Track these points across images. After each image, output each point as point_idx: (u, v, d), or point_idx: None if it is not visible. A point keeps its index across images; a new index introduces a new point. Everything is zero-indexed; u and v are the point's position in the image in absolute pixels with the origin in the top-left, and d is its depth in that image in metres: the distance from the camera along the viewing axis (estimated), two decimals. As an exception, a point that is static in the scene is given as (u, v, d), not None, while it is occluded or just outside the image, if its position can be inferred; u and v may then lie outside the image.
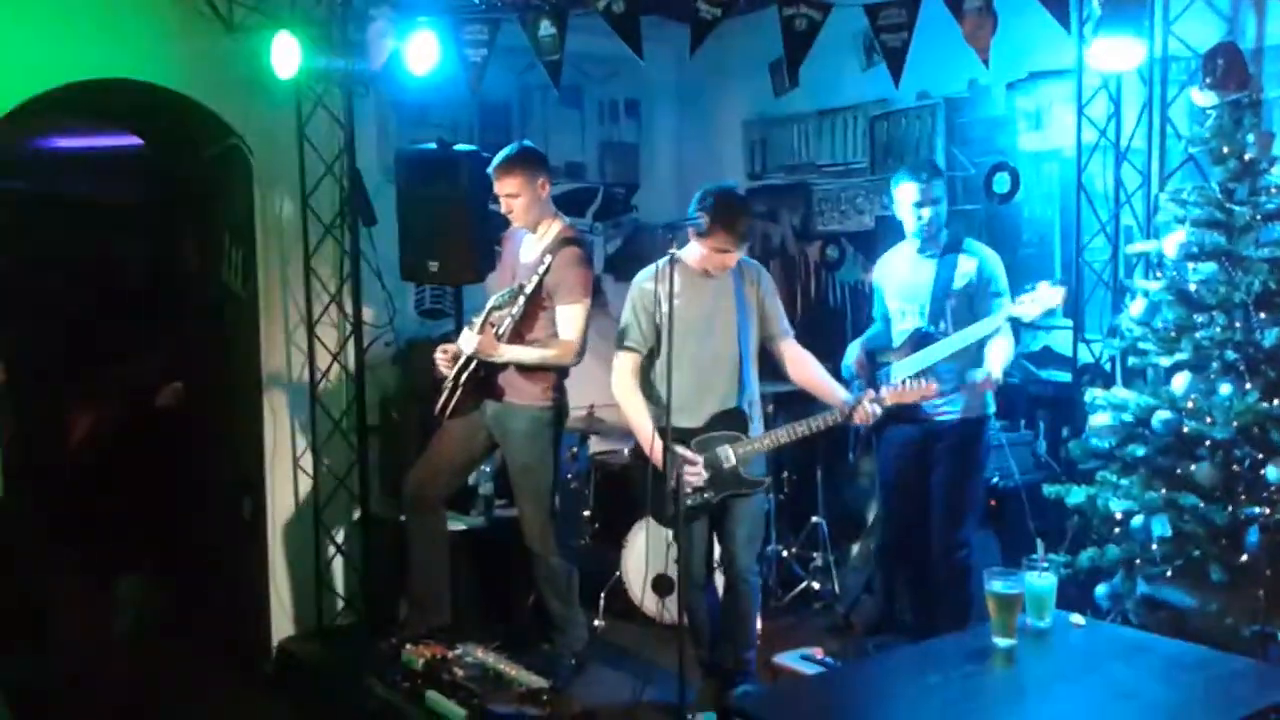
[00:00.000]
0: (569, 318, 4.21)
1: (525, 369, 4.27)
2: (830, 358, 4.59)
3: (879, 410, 3.84)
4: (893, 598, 4.54)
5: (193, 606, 5.65)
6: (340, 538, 5.35)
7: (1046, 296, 3.96)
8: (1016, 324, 4.12)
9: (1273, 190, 3.68)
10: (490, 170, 4.30)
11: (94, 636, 5.39)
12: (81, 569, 5.64)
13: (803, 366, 4.01)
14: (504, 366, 4.28)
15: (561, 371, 4.36)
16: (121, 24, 4.73)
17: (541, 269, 4.14)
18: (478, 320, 4.29)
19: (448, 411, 4.35)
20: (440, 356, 4.39)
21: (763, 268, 4.16)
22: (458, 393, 4.31)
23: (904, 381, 3.96)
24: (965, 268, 4.22)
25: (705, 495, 3.89)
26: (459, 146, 4.96)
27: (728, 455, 3.88)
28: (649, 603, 4.91)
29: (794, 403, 4.52)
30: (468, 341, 4.22)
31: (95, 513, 5.91)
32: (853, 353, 4.47)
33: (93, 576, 5.65)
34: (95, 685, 4.88)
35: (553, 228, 4.33)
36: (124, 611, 5.58)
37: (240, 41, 4.84)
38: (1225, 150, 3.71)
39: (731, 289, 3.96)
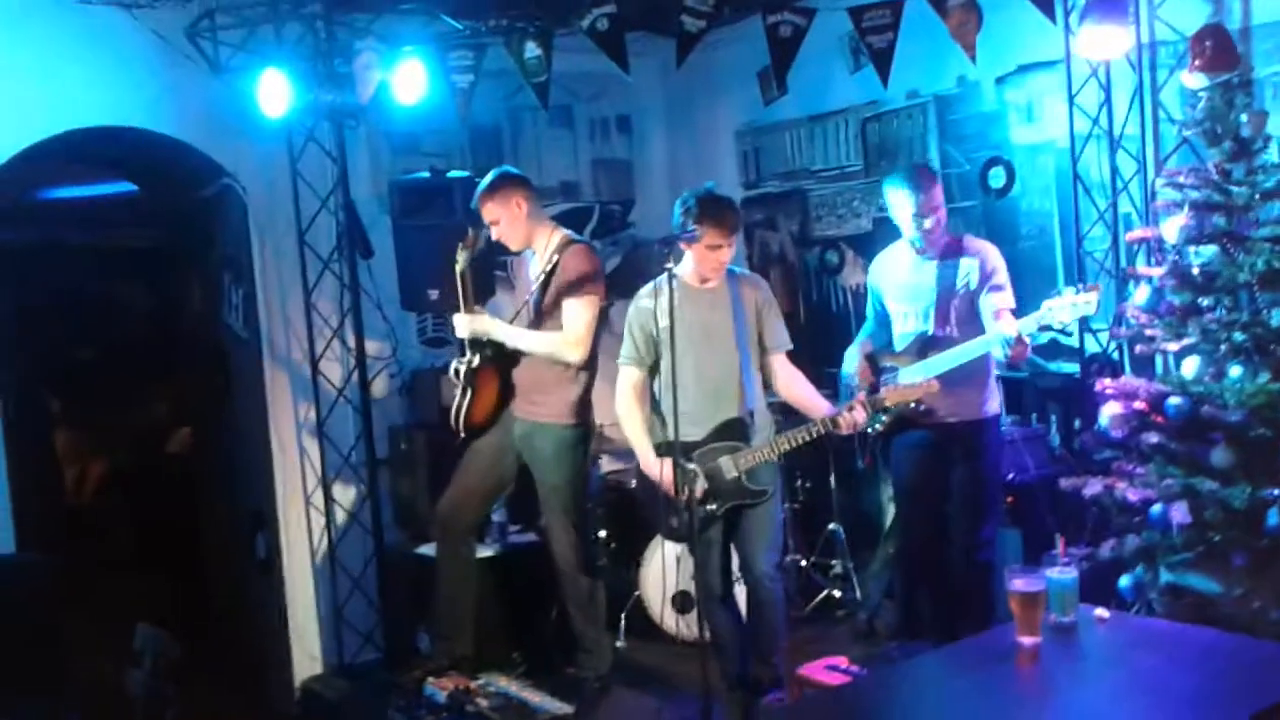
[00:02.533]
0: (573, 311, 4.20)
1: (551, 385, 4.26)
2: (834, 363, 4.57)
3: (863, 417, 3.82)
4: (914, 602, 4.49)
5: (213, 650, 5.62)
6: (356, 573, 5.33)
7: (1080, 301, 3.75)
8: (1047, 329, 3.98)
9: (1269, 168, 3.66)
10: (472, 204, 4.33)
11: (112, 685, 5.37)
12: (97, 617, 5.62)
13: (790, 382, 4.03)
14: (531, 384, 4.27)
15: (587, 388, 4.34)
16: (110, 71, 4.75)
17: (548, 269, 4.16)
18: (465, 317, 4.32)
19: (462, 422, 4.31)
20: (452, 379, 4.39)
21: (762, 280, 4.17)
22: (469, 395, 4.29)
23: (898, 383, 3.92)
24: (967, 268, 4.16)
25: (709, 507, 3.88)
26: (452, 173, 4.98)
27: (729, 466, 3.88)
28: (670, 621, 4.89)
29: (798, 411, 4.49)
30: (460, 324, 4.24)
31: (109, 560, 5.90)
32: (852, 360, 4.40)
33: (108, 624, 5.62)
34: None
35: (553, 238, 4.34)
36: (142, 659, 5.55)
37: (228, 83, 4.85)
38: (1219, 131, 3.69)
39: (728, 299, 3.97)
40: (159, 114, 4.86)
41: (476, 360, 4.26)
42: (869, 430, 4.04)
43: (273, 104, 4.66)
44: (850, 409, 3.83)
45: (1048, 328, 3.99)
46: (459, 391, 4.32)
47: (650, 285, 3.97)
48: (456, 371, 4.33)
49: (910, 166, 4.39)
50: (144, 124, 4.86)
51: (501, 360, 4.28)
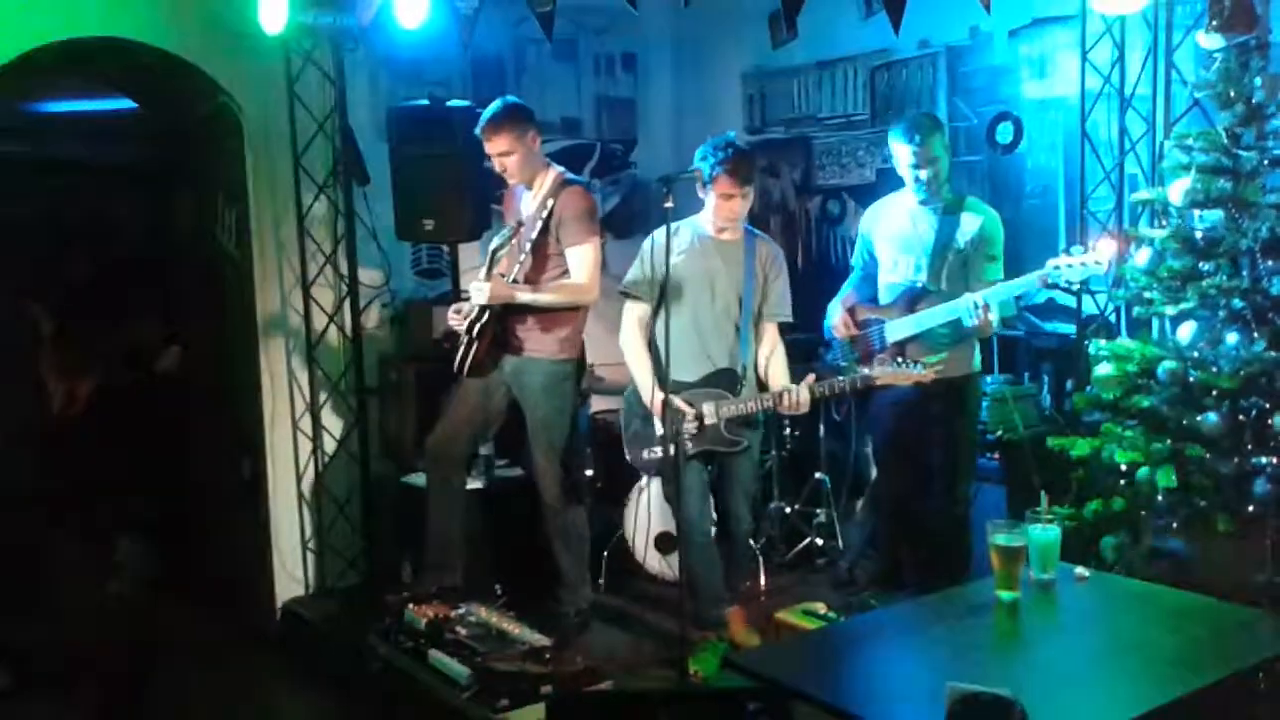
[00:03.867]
0: (579, 258, 4.18)
1: (542, 320, 4.24)
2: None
3: (806, 400, 3.88)
4: (895, 553, 4.51)
5: (195, 568, 5.65)
6: (342, 499, 5.33)
7: (1090, 261, 3.69)
8: (1054, 284, 3.95)
9: (1280, 134, 3.61)
10: (478, 131, 4.24)
11: (92, 599, 5.39)
12: (79, 532, 5.63)
13: (769, 353, 4.11)
14: (521, 318, 4.24)
15: (578, 323, 4.33)
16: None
17: (544, 213, 4.11)
18: (482, 269, 4.26)
19: (465, 368, 4.32)
20: (453, 317, 4.35)
21: (779, 248, 4.20)
22: (474, 347, 4.27)
23: (900, 362, 3.90)
24: (968, 226, 4.11)
25: (685, 447, 3.95)
26: (452, 102, 4.90)
27: (710, 412, 3.96)
28: (652, 560, 4.91)
29: (800, 358, 4.49)
30: (479, 292, 4.17)
31: (93, 475, 5.89)
32: (835, 312, 4.39)
33: (90, 539, 5.63)
34: (94, 648, 4.88)
35: (549, 176, 4.30)
36: (122, 573, 5.57)
37: (227, -2, 4.75)
38: (1232, 95, 3.64)
39: (741, 255, 4.03)
40: (156, 26, 4.76)
41: (486, 316, 4.22)
42: (845, 386, 4.01)
43: (271, 20, 4.56)
44: (786, 393, 3.90)
45: (1055, 285, 3.96)
46: (464, 340, 4.29)
47: (676, 224, 3.98)
48: (462, 324, 4.28)
49: (912, 116, 4.32)
50: (141, 37, 4.76)
51: (506, 310, 4.25)
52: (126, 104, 6.13)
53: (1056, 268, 3.79)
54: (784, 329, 4.22)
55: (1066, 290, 4.35)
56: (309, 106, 5.06)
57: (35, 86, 6.25)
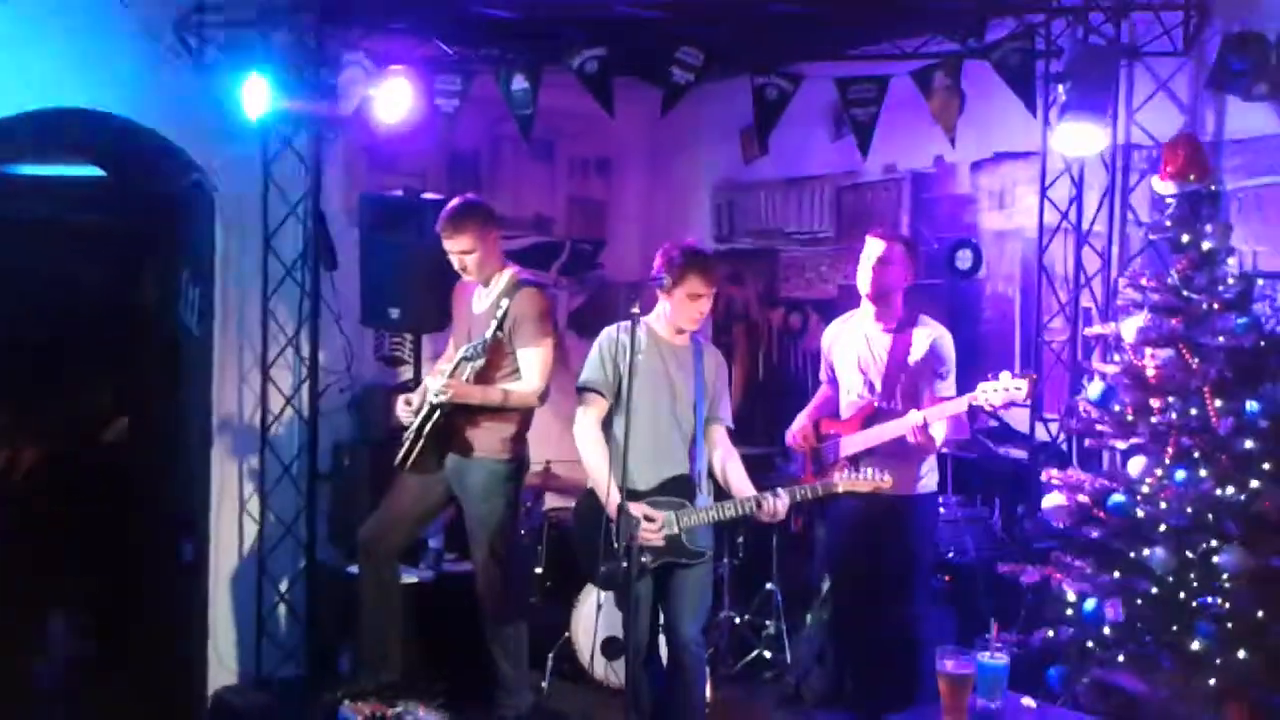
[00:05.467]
0: (531, 360, 4.17)
1: (488, 420, 4.22)
2: (789, 424, 4.57)
3: (784, 507, 3.82)
4: (842, 671, 4.48)
5: (126, 650, 5.47)
6: (284, 586, 5.22)
7: (1012, 388, 3.85)
8: (976, 411, 4.07)
9: (1230, 280, 3.74)
10: (439, 228, 4.22)
11: (20, 679, 5.20)
12: (11, 605, 5.45)
13: (726, 457, 4.03)
14: (466, 418, 4.22)
15: (523, 423, 4.31)
16: (90, 54, 4.70)
17: (499, 313, 4.09)
18: (446, 368, 4.24)
19: (408, 464, 4.27)
20: (402, 407, 4.32)
21: (722, 355, 4.18)
22: (419, 444, 4.24)
23: (859, 470, 3.93)
24: (920, 343, 4.20)
25: (643, 559, 3.78)
26: (426, 195, 4.95)
27: (672, 522, 3.83)
28: (598, 666, 4.83)
29: (755, 470, 4.48)
30: (436, 389, 4.15)
31: (29, 546, 5.73)
32: (798, 424, 4.42)
33: (23, 614, 5.45)
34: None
35: (504, 275, 4.30)
36: (53, 653, 5.39)
37: (209, 80, 4.81)
38: (1185, 239, 3.77)
39: (692, 361, 3.98)
40: (136, 103, 4.80)
41: (436, 415, 4.18)
42: (799, 498, 4.03)
43: (253, 106, 4.63)
44: (775, 496, 3.82)
45: (979, 409, 4.05)
46: (411, 437, 4.25)
47: (624, 322, 3.97)
48: (412, 417, 4.25)
49: (891, 227, 4.42)
50: (120, 111, 4.80)
51: (457, 412, 4.22)
52: (98, 172, 6.15)
53: (984, 391, 3.88)
54: (735, 437, 4.17)
55: (991, 415, 4.43)
56: (283, 189, 5.09)
57: (8, 149, 6.24)
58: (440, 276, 4.76)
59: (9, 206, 6.74)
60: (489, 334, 4.06)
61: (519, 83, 4.77)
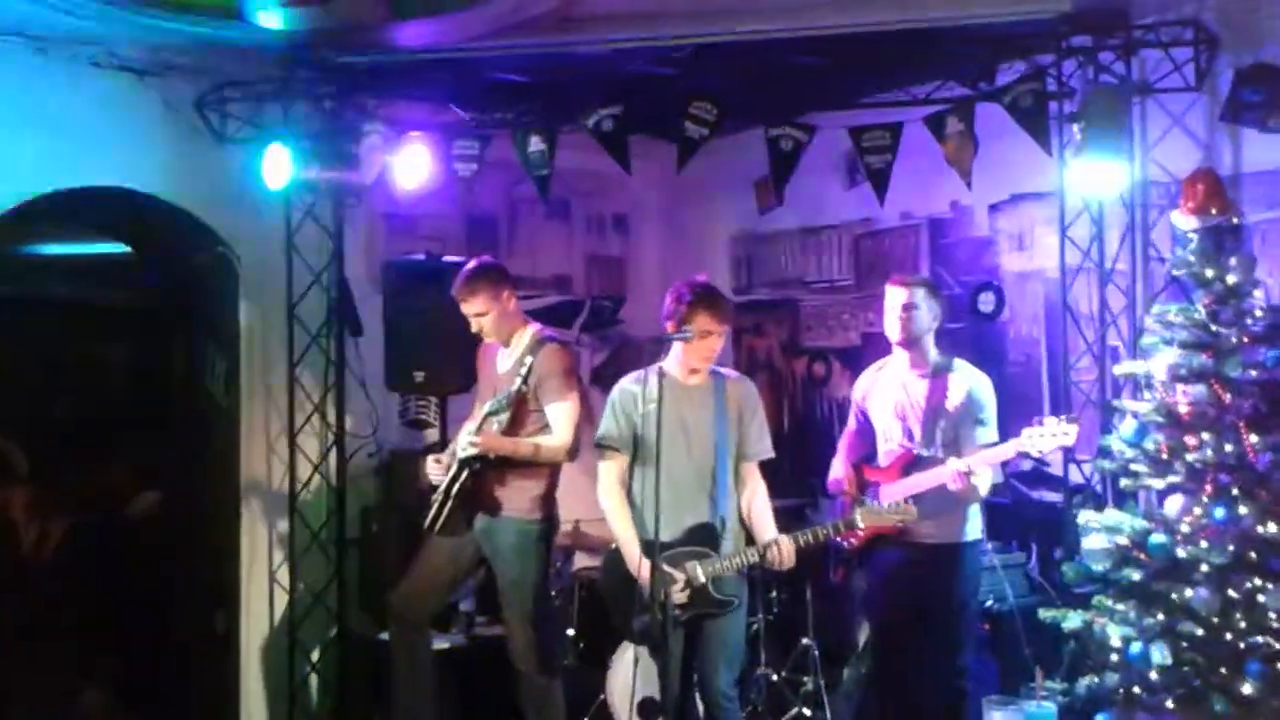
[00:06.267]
0: (559, 415, 4.15)
1: (517, 478, 4.20)
2: (816, 473, 4.54)
3: (790, 556, 3.77)
4: (886, 725, 4.38)
5: (159, 724, 5.43)
6: (315, 655, 5.18)
7: (1060, 433, 3.78)
8: (1026, 457, 3.99)
9: (1258, 313, 3.71)
10: (454, 292, 4.23)
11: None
12: (46, 681, 5.43)
13: (752, 496, 3.96)
14: (494, 477, 4.20)
15: (551, 482, 4.29)
16: (113, 133, 4.79)
17: (524, 370, 4.10)
18: (473, 424, 4.23)
19: (437, 526, 4.25)
20: (432, 466, 4.31)
21: (750, 382, 4.12)
22: (448, 505, 4.21)
23: (881, 505, 3.88)
24: (957, 390, 4.14)
25: (674, 613, 3.71)
26: (447, 258, 4.99)
27: (696, 572, 3.76)
28: (634, 728, 4.75)
29: (782, 518, 4.43)
30: (466, 444, 4.14)
31: (63, 622, 5.73)
32: (837, 469, 4.36)
33: (57, 689, 5.43)
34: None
35: (525, 333, 4.29)
36: (87, 730, 5.36)
37: (231, 153, 4.89)
38: (1209, 274, 3.74)
39: (712, 399, 3.92)
40: (159, 180, 4.88)
41: (465, 474, 4.16)
42: (843, 544, 3.98)
43: (275, 177, 4.69)
44: (772, 545, 3.76)
45: (1026, 455, 3.98)
46: (439, 498, 4.22)
47: (637, 372, 3.95)
48: (443, 476, 4.22)
49: (908, 271, 4.39)
50: (144, 188, 4.88)
51: (486, 469, 4.20)
52: (124, 248, 6.23)
53: (1030, 438, 3.82)
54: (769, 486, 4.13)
55: (1038, 461, 4.36)
56: (306, 258, 5.14)
57: (34, 229, 6.34)
58: (463, 338, 4.77)
59: (35, 286, 6.84)
60: (514, 388, 4.06)
61: (535, 144, 4.83)
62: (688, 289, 3.86)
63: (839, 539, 3.99)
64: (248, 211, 5.03)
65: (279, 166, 4.68)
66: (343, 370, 5.14)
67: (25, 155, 4.59)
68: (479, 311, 4.21)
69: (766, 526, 3.90)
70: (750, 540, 3.93)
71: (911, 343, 4.14)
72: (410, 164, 4.74)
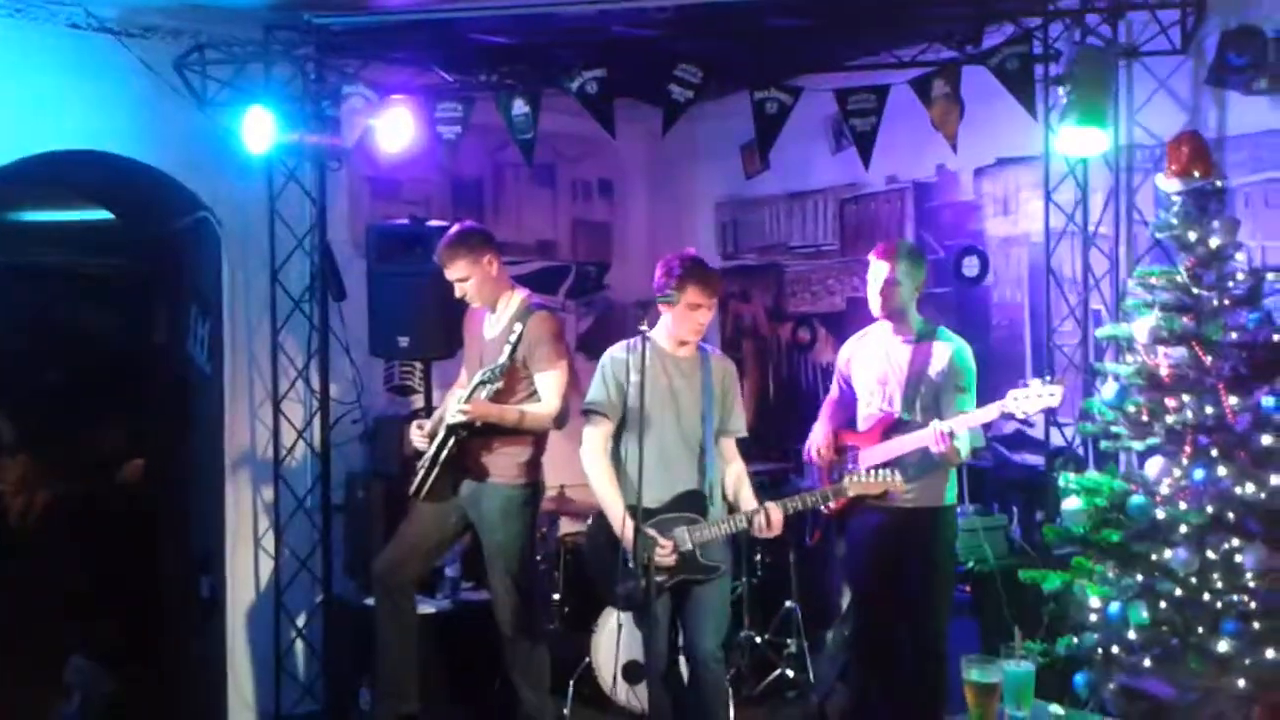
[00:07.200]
0: (548, 383, 4.16)
1: (503, 444, 4.20)
2: (802, 439, 4.54)
3: (779, 521, 3.81)
4: (867, 688, 4.41)
5: (146, 690, 5.45)
6: (301, 621, 5.20)
7: (1045, 394, 3.80)
8: (1009, 416, 4.00)
9: (1239, 276, 3.72)
10: (436, 258, 4.23)
11: (39, 717, 5.18)
12: (30, 647, 5.45)
13: (731, 468, 4.02)
14: (481, 443, 4.20)
15: (538, 448, 4.29)
16: (94, 97, 4.73)
17: (513, 338, 4.09)
18: (461, 393, 4.22)
19: (423, 492, 4.25)
20: (416, 433, 4.30)
21: (731, 363, 4.15)
22: (434, 472, 4.22)
23: (869, 471, 3.90)
24: (939, 356, 4.14)
25: (659, 579, 3.76)
26: (431, 222, 4.96)
27: (684, 538, 3.81)
28: (620, 691, 4.79)
29: (770, 486, 4.46)
30: (454, 412, 4.14)
31: (46, 589, 5.74)
32: (816, 437, 4.37)
33: (44, 655, 5.45)
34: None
35: (514, 299, 4.29)
36: (72, 694, 5.37)
37: (212, 117, 4.84)
38: (1192, 236, 3.75)
39: (699, 371, 3.96)
40: (140, 143, 4.83)
41: (452, 441, 4.15)
42: (820, 508, 4.00)
43: (256, 141, 4.65)
44: (756, 515, 3.81)
45: (1011, 417, 3.99)
46: (425, 464, 4.22)
47: (627, 340, 3.96)
48: (427, 444, 4.22)
49: (889, 240, 4.37)
50: (124, 151, 4.83)
51: (474, 436, 4.20)
52: (105, 214, 6.18)
53: (1015, 399, 3.83)
54: (748, 454, 4.16)
55: (1022, 423, 4.37)
56: (289, 222, 5.10)
57: (15, 195, 6.29)
58: (448, 303, 4.76)
59: (18, 254, 6.79)
60: (505, 358, 4.06)
61: (519, 108, 4.80)
62: (678, 261, 3.87)
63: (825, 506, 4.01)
64: (229, 175, 4.99)
65: (260, 130, 4.63)
66: (326, 336, 5.12)
67: (3, 120, 4.54)
68: (461, 277, 4.19)
69: (748, 501, 3.96)
70: (733, 512, 3.97)
71: (893, 314, 4.15)
72: (393, 127, 4.69)
